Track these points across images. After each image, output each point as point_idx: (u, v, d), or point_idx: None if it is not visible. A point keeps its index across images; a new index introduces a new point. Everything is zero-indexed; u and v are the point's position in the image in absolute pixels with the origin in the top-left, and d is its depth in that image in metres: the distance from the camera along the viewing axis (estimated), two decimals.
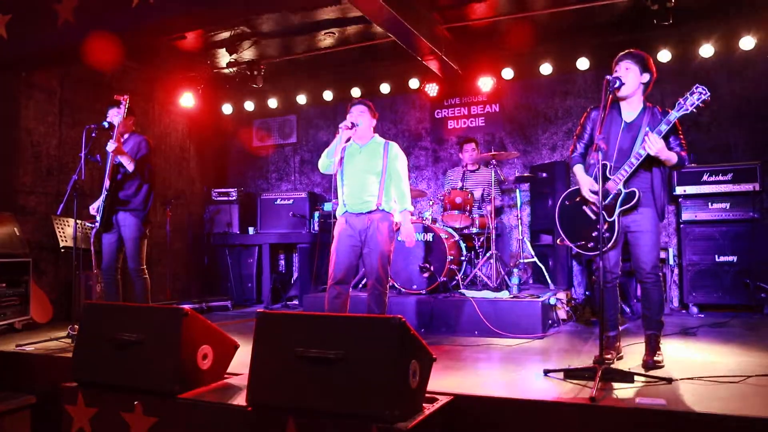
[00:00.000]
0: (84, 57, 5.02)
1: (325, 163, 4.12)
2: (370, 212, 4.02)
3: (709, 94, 3.15)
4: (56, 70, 6.07)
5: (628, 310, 5.43)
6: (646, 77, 3.41)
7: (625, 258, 3.67)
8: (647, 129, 3.32)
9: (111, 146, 4.52)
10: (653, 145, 3.22)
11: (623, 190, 3.37)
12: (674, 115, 3.23)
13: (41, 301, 5.47)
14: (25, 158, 5.79)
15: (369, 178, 4.06)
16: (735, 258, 5.51)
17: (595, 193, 3.46)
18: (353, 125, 4.02)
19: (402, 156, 4.19)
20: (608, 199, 3.38)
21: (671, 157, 3.30)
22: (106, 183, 4.62)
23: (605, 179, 3.37)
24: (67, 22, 4.95)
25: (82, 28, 4.87)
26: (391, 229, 4.11)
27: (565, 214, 3.67)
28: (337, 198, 4.21)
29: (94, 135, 4.64)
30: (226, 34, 6.33)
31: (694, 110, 3.20)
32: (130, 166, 4.61)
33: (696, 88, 3.18)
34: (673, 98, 3.29)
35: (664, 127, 3.24)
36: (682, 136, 3.40)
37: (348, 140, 4.10)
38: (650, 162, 3.37)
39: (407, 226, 4.13)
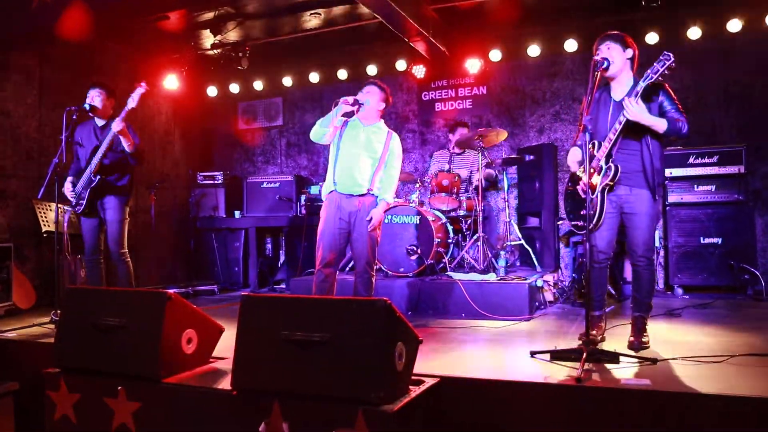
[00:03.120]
0: (61, 37, 4.90)
1: (318, 131, 4.02)
2: (361, 195, 3.98)
3: (673, 59, 3.10)
4: (34, 51, 5.92)
5: (615, 292, 5.47)
6: (629, 53, 3.39)
7: (618, 239, 3.68)
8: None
9: (118, 126, 4.40)
10: (630, 107, 3.18)
11: (603, 166, 3.36)
12: (641, 84, 3.21)
13: (24, 286, 5.40)
14: (3, 141, 5.66)
15: (365, 159, 4.01)
16: (720, 240, 5.55)
17: (580, 163, 3.47)
18: (356, 102, 3.95)
19: (401, 150, 4.19)
20: (590, 175, 3.38)
21: (656, 123, 3.24)
22: (94, 166, 4.52)
23: (593, 158, 3.36)
24: (43, 1, 4.82)
25: (59, 7, 4.74)
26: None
27: (568, 196, 3.73)
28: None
29: (74, 117, 4.54)
30: (210, 15, 6.21)
31: (660, 78, 3.17)
32: (130, 148, 4.53)
33: (662, 55, 3.14)
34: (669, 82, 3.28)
35: (632, 99, 3.20)
36: (677, 102, 3.33)
37: (351, 115, 4.03)
38: (640, 139, 3.34)
39: (378, 212, 4.02)
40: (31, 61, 5.92)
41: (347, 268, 5.75)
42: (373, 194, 4.02)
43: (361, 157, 4.01)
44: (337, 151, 4.06)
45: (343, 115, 4.00)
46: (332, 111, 3.94)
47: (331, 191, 4.03)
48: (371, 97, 4.03)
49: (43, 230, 5.55)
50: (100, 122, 4.71)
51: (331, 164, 4.09)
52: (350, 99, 3.92)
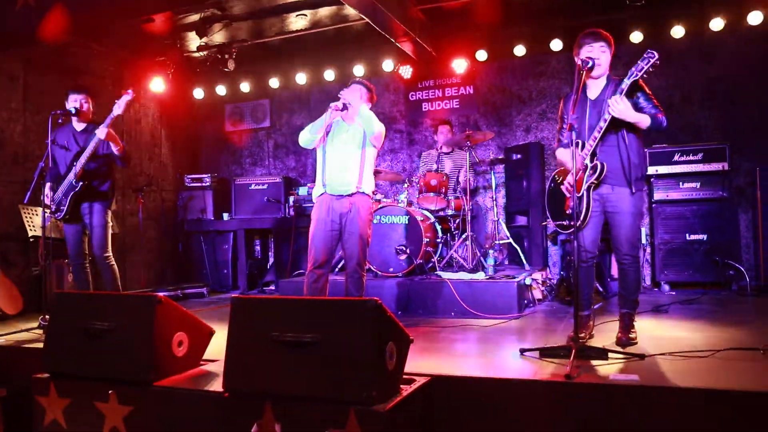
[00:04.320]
0: (45, 40, 4.86)
1: (307, 138, 4.08)
2: (350, 195, 4.00)
3: (657, 57, 3.14)
4: (18, 55, 5.86)
5: (602, 289, 5.51)
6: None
7: (602, 237, 3.70)
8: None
9: (103, 132, 4.38)
10: (616, 105, 3.20)
11: (588, 165, 3.39)
12: (626, 82, 3.25)
13: (11, 292, 5.34)
14: None
15: (351, 158, 4.04)
16: (705, 236, 5.62)
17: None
18: (345, 107, 3.97)
19: (371, 113, 4.05)
20: (578, 174, 3.41)
21: (641, 119, 3.28)
22: (77, 171, 4.48)
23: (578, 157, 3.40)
24: (27, 3, 4.78)
25: (43, 9, 4.70)
26: (370, 211, 4.13)
27: (551, 196, 3.76)
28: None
29: (60, 121, 4.51)
30: (195, 17, 6.18)
31: (644, 75, 3.20)
32: (120, 152, 4.52)
33: (646, 53, 3.18)
34: (646, 79, 3.30)
35: (617, 97, 3.24)
36: (653, 98, 3.38)
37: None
38: (617, 133, 3.36)
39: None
40: (14, 65, 5.86)
41: (336, 269, 5.76)
42: (362, 191, 4.04)
43: (347, 157, 4.04)
44: (324, 154, 4.09)
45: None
46: (323, 116, 4.00)
47: (322, 194, 4.06)
48: (355, 97, 4.05)
49: (30, 235, 5.50)
50: (79, 126, 4.65)
51: (319, 167, 4.13)
52: (339, 104, 3.96)
